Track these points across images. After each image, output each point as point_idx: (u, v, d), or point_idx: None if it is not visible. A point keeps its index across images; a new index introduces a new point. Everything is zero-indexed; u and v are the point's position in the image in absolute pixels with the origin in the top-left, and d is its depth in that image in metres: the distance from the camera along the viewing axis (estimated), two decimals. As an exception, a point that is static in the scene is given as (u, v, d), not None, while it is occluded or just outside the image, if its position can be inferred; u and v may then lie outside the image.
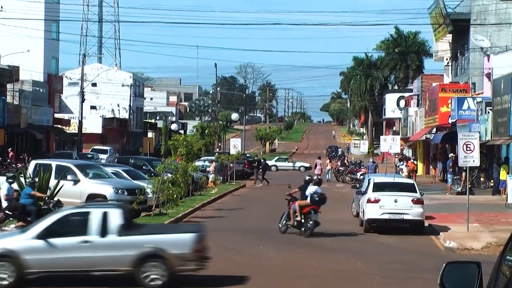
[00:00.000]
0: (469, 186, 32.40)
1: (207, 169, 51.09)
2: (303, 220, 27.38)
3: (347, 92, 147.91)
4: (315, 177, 31.19)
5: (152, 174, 37.36)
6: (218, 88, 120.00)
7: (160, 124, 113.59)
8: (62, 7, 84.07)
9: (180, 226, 25.68)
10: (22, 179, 28.33)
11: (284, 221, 27.88)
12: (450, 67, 65.14)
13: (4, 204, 25.75)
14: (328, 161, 71.75)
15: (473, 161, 28.59)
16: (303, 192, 28.17)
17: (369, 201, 28.69)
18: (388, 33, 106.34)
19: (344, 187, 54.00)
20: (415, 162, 61.67)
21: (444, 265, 6.97)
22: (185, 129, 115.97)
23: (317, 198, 27.65)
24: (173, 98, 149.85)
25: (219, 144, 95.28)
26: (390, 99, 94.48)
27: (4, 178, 27.61)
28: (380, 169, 56.27)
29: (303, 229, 27.26)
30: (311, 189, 28.02)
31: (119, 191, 30.07)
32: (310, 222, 27.21)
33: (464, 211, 28.95)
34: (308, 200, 27.56)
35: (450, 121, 53.62)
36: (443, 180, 55.56)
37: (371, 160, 59.14)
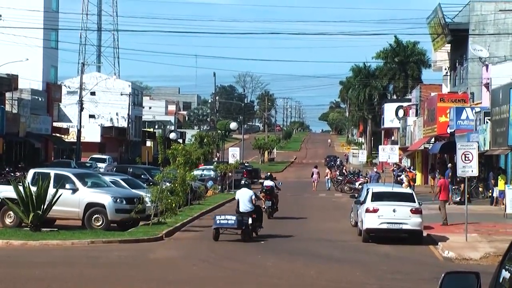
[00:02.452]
0: (468, 196, 32.40)
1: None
2: (265, 206, 37.11)
3: (346, 102, 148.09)
4: (268, 174, 42.57)
5: (151, 183, 37.35)
6: (217, 97, 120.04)
7: (159, 133, 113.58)
8: (61, 16, 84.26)
9: None
10: (21, 188, 28.34)
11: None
12: (448, 77, 65.22)
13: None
14: (327, 170, 72.02)
15: (472, 171, 28.61)
16: (262, 185, 39.77)
17: (367, 210, 28.67)
18: (388, 42, 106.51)
19: (343, 197, 54.02)
20: (413, 171, 61.59)
21: (443, 275, 6.97)
22: (183, 138, 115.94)
23: (263, 189, 38.23)
24: (172, 107, 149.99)
25: (218, 154, 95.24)
26: (389, 109, 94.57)
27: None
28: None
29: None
30: (264, 183, 39.24)
31: (118, 200, 30.05)
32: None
33: (463, 221, 28.97)
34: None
35: (448, 131, 53.65)
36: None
37: (375, 170, 58.59)
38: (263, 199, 37.06)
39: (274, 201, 38.44)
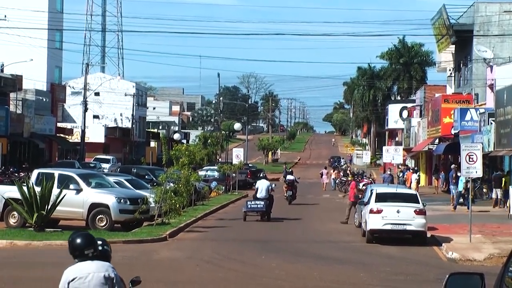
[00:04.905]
0: (472, 197, 32.37)
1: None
2: (286, 195, 47.71)
3: (350, 103, 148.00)
4: (289, 170, 54.77)
5: (155, 184, 37.34)
6: (221, 98, 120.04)
7: (163, 133, 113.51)
8: (66, 16, 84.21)
9: None
10: (25, 188, 28.34)
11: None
12: (453, 78, 65.19)
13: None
14: (332, 170, 72.84)
15: (476, 172, 28.57)
16: (285, 179, 50.58)
17: (371, 211, 28.64)
18: (392, 43, 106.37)
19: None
20: (417, 173, 61.34)
21: (447, 276, 6.96)
22: (187, 138, 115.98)
23: (286, 182, 48.72)
24: (176, 108, 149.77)
25: (219, 157, 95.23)
26: (393, 110, 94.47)
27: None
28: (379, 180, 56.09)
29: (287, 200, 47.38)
30: (287, 177, 49.62)
31: (122, 201, 30.06)
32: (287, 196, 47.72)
33: (467, 222, 28.93)
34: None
35: (452, 132, 53.60)
36: (446, 191, 55.50)
37: (388, 172, 57.91)
38: (285, 189, 48.48)
39: (294, 191, 47.99)
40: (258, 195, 37.04)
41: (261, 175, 41.68)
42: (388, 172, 58.73)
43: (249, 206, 36.45)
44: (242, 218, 35.86)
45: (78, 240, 8.64)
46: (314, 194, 59.96)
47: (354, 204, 36.05)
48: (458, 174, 46.73)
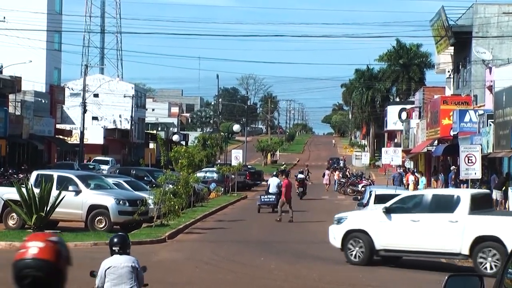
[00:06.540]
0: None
1: None
2: (298, 191, 53.57)
3: (349, 104, 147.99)
4: (301, 169, 64.53)
5: (154, 185, 37.36)
6: (220, 99, 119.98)
7: (162, 135, 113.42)
8: (65, 18, 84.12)
9: None
10: (24, 190, 28.32)
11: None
12: (452, 79, 65.20)
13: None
14: (334, 172, 73.42)
15: (475, 173, 28.60)
16: (296, 177, 57.02)
17: (370, 213, 28.60)
18: (391, 44, 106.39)
19: (346, 199, 54.02)
20: (417, 174, 61.30)
21: (446, 278, 6.96)
22: (186, 140, 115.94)
23: (297, 180, 55.19)
24: (175, 109, 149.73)
25: (220, 156, 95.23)
26: (392, 111, 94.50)
27: None
28: (381, 181, 56.07)
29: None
30: (298, 175, 57.15)
31: (121, 202, 30.05)
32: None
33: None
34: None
35: (451, 133, 53.59)
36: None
37: (399, 170, 57.30)
38: (296, 186, 53.49)
39: (304, 188, 55.03)
40: (270, 191, 42.51)
41: (274, 173, 47.54)
42: (399, 171, 58.54)
43: (262, 200, 42.18)
44: (257, 210, 41.61)
45: (116, 240, 11.12)
46: (314, 196, 59.96)
47: (288, 202, 37.49)
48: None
